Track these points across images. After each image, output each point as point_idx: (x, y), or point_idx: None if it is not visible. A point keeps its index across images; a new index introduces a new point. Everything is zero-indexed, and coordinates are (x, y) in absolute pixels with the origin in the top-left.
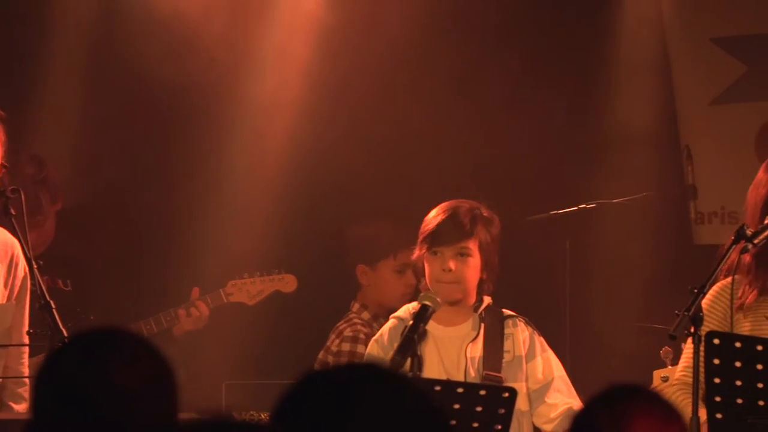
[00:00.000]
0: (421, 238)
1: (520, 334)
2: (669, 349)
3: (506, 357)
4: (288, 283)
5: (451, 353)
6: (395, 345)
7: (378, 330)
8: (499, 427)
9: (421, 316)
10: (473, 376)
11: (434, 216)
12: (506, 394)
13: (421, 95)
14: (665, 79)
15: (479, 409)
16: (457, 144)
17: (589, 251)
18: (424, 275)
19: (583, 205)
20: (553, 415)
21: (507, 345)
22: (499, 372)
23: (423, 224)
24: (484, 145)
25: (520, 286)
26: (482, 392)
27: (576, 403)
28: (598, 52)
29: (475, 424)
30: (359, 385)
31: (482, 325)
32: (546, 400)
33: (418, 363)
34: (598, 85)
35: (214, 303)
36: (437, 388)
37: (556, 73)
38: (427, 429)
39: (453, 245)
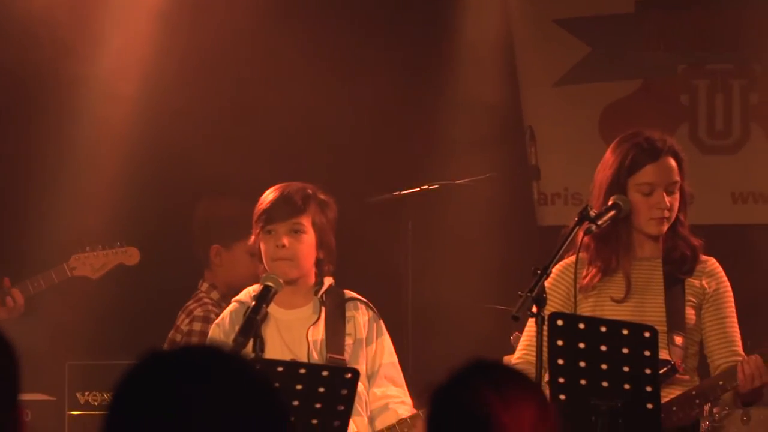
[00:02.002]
0: (255, 219)
1: (361, 318)
2: (519, 334)
3: (348, 339)
4: (131, 256)
5: (294, 336)
6: (237, 328)
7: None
8: (342, 407)
9: (264, 297)
10: (316, 359)
11: (266, 196)
12: (349, 375)
13: (269, 78)
14: (509, 60)
15: (322, 390)
16: (306, 126)
17: (432, 232)
18: (261, 258)
19: (426, 186)
20: (374, 405)
21: (348, 328)
22: (343, 354)
23: (257, 206)
24: (329, 126)
25: (361, 268)
26: (325, 373)
27: (395, 396)
28: (443, 33)
29: (318, 405)
30: (202, 367)
31: (323, 308)
32: (372, 387)
33: (261, 344)
34: (442, 66)
35: (59, 278)
36: (280, 369)
37: (401, 54)
38: (268, 411)
39: (285, 222)
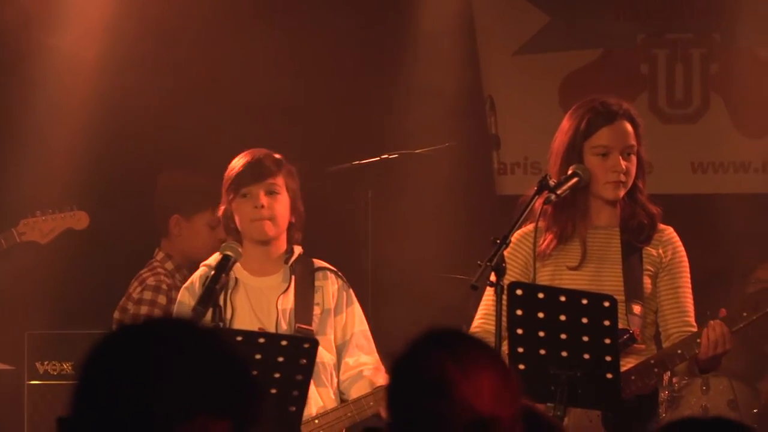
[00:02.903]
0: (226, 186)
1: (330, 287)
2: None
3: (316, 309)
4: (80, 220)
5: (263, 304)
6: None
7: (180, 281)
8: (300, 377)
9: (223, 266)
10: (285, 328)
11: (235, 163)
12: (307, 345)
13: (229, 50)
14: (469, 30)
15: (281, 359)
16: (267, 96)
17: (392, 202)
18: (232, 228)
19: (386, 156)
20: (346, 374)
21: (317, 297)
22: (310, 325)
23: (227, 174)
24: (290, 96)
25: (322, 237)
26: (284, 342)
27: (369, 364)
28: (404, 3)
29: (277, 375)
30: (171, 338)
31: (293, 276)
32: (344, 357)
33: (220, 313)
34: (402, 35)
35: (8, 243)
36: (239, 338)
37: (362, 24)
38: (235, 380)
39: (262, 182)
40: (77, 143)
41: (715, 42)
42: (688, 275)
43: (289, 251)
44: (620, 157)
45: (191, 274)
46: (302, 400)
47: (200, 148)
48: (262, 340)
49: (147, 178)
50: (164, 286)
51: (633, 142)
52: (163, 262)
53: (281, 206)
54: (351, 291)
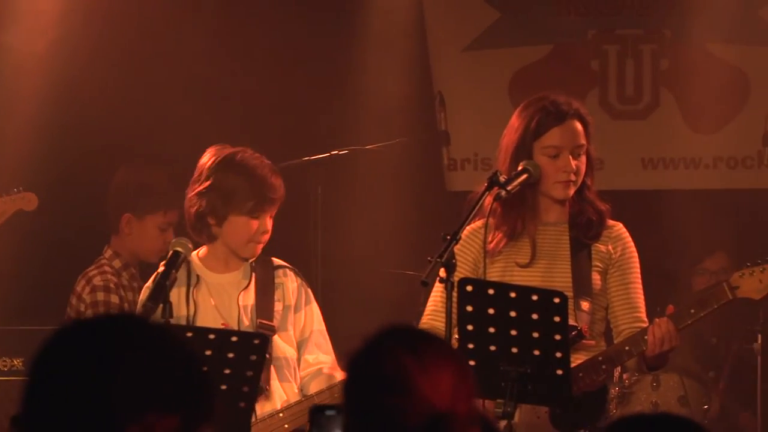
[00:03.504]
0: (232, 197)
1: (290, 284)
2: None
3: (277, 306)
4: (29, 201)
5: (225, 300)
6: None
7: (126, 279)
8: (251, 373)
9: (173, 263)
10: (247, 324)
11: (250, 175)
12: (257, 341)
13: (181, 46)
14: (419, 25)
15: (231, 355)
16: (216, 90)
17: (341, 198)
18: (207, 223)
19: (336, 152)
20: (305, 371)
21: (278, 294)
22: (272, 320)
23: (227, 179)
24: (240, 90)
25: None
26: (234, 339)
27: (327, 362)
28: None
29: (227, 371)
30: (125, 335)
31: (253, 273)
32: (303, 354)
33: (169, 309)
34: (352, 30)
35: None
36: (189, 334)
37: (310, 18)
38: (184, 376)
39: (272, 209)
40: (27, 135)
41: (666, 38)
42: (638, 271)
43: None
44: (570, 157)
45: (138, 273)
46: (252, 396)
47: (150, 141)
48: (212, 337)
49: (97, 171)
50: (112, 285)
51: (583, 141)
52: (111, 259)
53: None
54: (309, 290)
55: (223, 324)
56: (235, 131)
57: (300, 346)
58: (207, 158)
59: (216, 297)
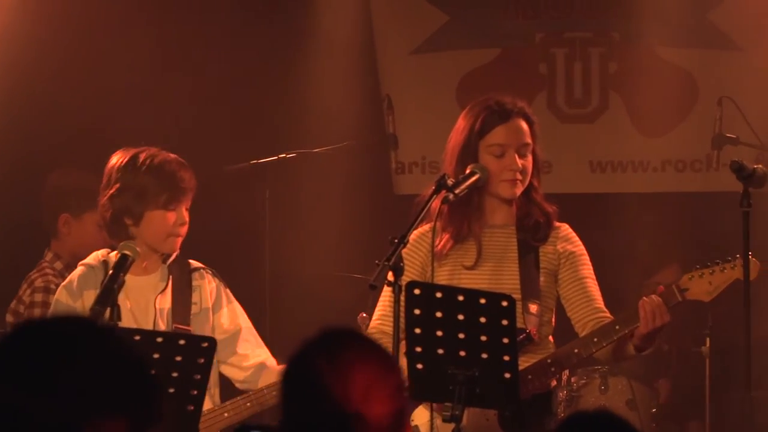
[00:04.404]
0: (144, 193)
1: (207, 286)
2: (365, 315)
3: (194, 309)
4: None
5: (141, 303)
6: (84, 292)
7: None
8: (198, 376)
9: (121, 266)
10: (162, 327)
11: (157, 170)
12: (205, 344)
13: (129, 46)
14: (367, 28)
15: (179, 358)
16: (164, 93)
17: (290, 201)
18: (123, 224)
19: (283, 155)
20: (245, 364)
21: (194, 297)
22: (188, 324)
23: (138, 176)
24: (188, 94)
25: (219, 236)
26: (182, 342)
27: (267, 357)
28: (301, 3)
29: (175, 374)
30: (73, 339)
31: (171, 276)
32: (237, 350)
33: (118, 312)
34: (300, 33)
35: None
36: (137, 337)
37: (258, 20)
38: (131, 379)
39: (187, 200)
40: None
41: (614, 41)
42: (591, 267)
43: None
44: (516, 156)
45: None
46: (200, 399)
47: (89, 145)
48: (160, 340)
49: (33, 179)
50: (53, 286)
51: (528, 140)
52: (52, 262)
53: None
54: (228, 290)
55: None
56: (182, 134)
57: (227, 343)
58: (113, 162)
59: (132, 300)
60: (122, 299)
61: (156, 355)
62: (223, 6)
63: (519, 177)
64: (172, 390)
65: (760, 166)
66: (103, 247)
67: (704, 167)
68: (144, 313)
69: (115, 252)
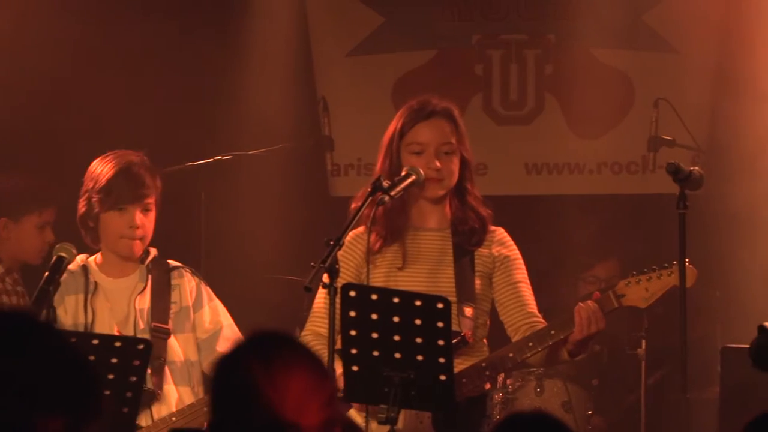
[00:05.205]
0: (98, 195)
1: (187, 285)
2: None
3: (173, 308)
4: None
5: (121, 305)
6: (66, 298)
7: (10, 285)
8: (134, 378)
9: (57, 268)
10: (142, 327)
11: (112, 167)
12: (141, 346)
13: (59, 51)
14: (303, 30)
15: (114, 360)
16: (99, 96)
17: (225, 203)
18: (90, 227)
19: (219, 157)
20: None
21: (174, 296)
22: (167, 323)
23: (96, 178)
24: (123, 95)
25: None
26: (117, 344)
27: None
28: (238, 4)
29: (111, 376)
30: (15, 339)
31: (149, 276)
32: (216, 348)
33: (53, 314)
34: (235, 35)
35: None
36: (73, 339)
37: (192, 22)
38: (76, 378)
39: (140, 203)
40: None
41: (550, 43)
42: (525, 271)
43: (146, 252)
44: (435, 155)
45: (21, 278)
46: (136, 401)
47: (26, 148)
48: (95, 342)
49: None
50: None
51: (451, 140)
52: None
53: (151, 223)
54: (209, 288)
55: (117, 329)
56: (118, 137)
57: (210, 341)
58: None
59: (113, 302)
60: (103, 303)
61: (92, 357)
62: (159, 7)
63: (438, 176)
64: (107, 392)
65: (697, 168)
66: (44, 249)
67: (640, 169)
68: (124, 314)
69: (93, 256)
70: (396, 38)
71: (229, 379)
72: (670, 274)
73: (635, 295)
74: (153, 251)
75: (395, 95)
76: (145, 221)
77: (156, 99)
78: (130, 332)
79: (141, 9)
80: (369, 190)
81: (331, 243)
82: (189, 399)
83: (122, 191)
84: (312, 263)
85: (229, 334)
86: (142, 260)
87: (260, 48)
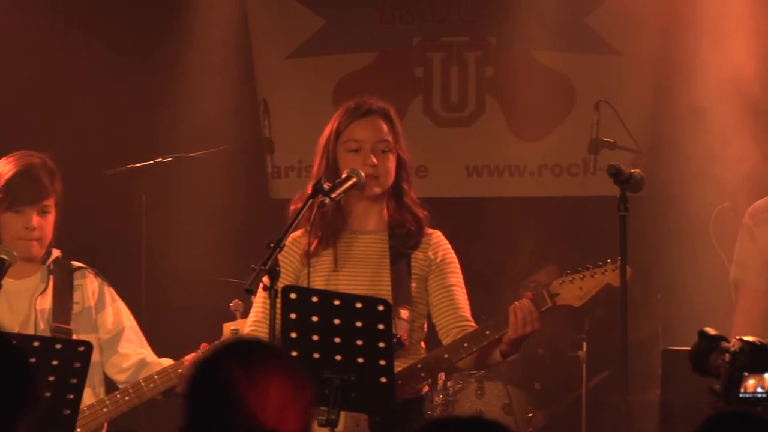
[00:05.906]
0: (12, 196)
1: (90, 285)
2: (239, 302)
3: (75, 308)
4: None
5: (22, 306)
6: None
7: None
8: (75, 381)
9: None
10: (43, 328)
11: (9, 169)
12: (81, 348)
13: (4, 50)
14: (243, 32)
15: (55, 362)
16: (42, 96)
17: (166, 205)
18: None
19: (159, 159)
20: (125, 365)
21: (76, 296)
22: (69, 324)
23: (7, 182)
24: (65, 97)
25: (96, 240)
26: (58, 346)
27: (149, 354)
28: (178, 5)
29: (51, 378)
30: None
31: (51, 277)
32: (118, 350)
33: None
34: (176, 37)
35: None
36: (13, 342)
37: (133, 22)
38: (12, 363)
39: (36, 204)
40: None
41: (491, 45)
42: (460, 275)
43: (48, 253)
44: (371, 152)
45: None
46: (77, 403)
47: None
48: (36, 344)
49: None
50: None
51: (387, 138)
52: None
53: (49, 225)
54: (112, 289)
55: (18, 330)
56: (60, 138)
57: (112, 342)
58: None
59: (13, 302)
60: (3, 304)
61: (32, 360)
62: (97, 6)
63: (374, 173)
64: (48, 394)
65: (638, 170)
66: None
67: (581, 171)
68: (25, 315)
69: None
70: (336, 40)
71: (208, 382)
72: (604, 272)
73: (569, 294)
74: (56, 252)
75: (336, 97)
76: (43, 223)
77: (95, 101)
78: (30, 333)
79: (76, 8)
80: (309, 192)
81: (272, 245)
82: (90, 400)
83: (19, 193)
84: (252, 265)
85: (131, 335)
86: (43, 261)
87: (201, 50)
